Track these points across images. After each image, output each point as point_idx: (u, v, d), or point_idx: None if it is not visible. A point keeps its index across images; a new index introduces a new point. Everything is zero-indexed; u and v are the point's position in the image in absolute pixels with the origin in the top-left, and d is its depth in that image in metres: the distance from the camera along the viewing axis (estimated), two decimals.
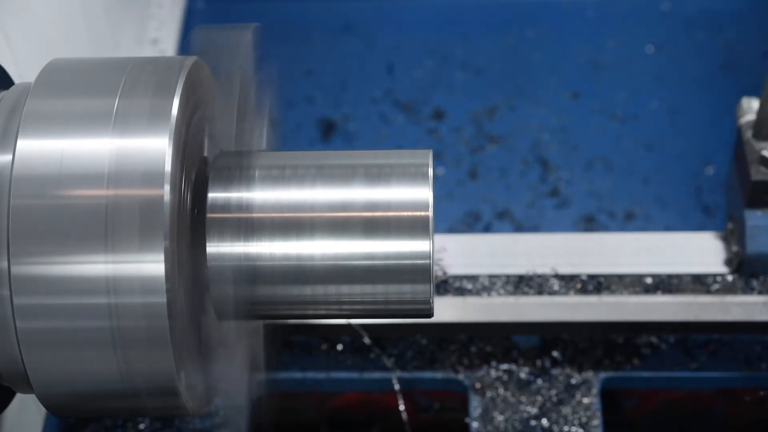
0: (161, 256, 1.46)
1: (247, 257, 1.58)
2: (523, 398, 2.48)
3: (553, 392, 2.49)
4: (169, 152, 1.49)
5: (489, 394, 2.49)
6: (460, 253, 2.61)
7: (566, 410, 2.46)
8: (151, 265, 1.47)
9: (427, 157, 1.62)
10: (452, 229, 3.21)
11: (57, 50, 2.51)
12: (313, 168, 1.62)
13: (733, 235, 2.55)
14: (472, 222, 3.25)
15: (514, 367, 2.53)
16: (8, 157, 1.51)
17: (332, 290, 1.60)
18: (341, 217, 1.58)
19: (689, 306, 2.50)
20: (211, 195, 1.59)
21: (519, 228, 3.22)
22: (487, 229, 3.23)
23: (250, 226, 1.58)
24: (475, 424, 2.45)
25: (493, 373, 2.52)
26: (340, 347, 2.57)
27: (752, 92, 2.54)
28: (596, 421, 2.44)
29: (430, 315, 1.64)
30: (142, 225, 1.47)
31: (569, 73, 3.57)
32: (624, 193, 3.30)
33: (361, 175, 1.60)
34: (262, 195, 1.59)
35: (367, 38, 3.69)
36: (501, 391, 2.50)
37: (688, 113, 3.43)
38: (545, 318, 2.50)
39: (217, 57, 1.63)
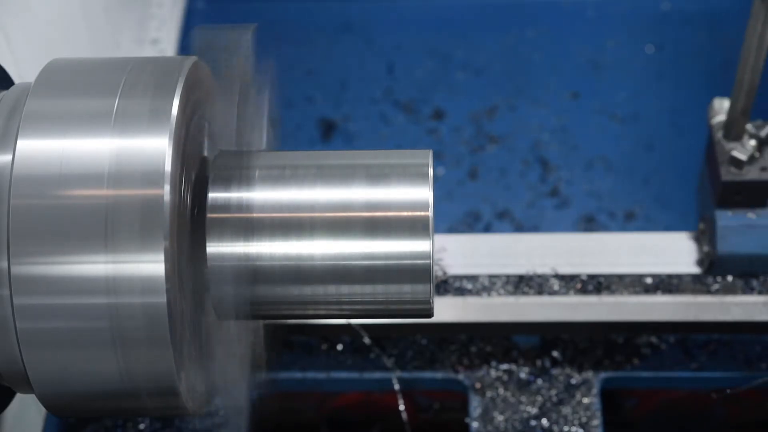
0: (161, 256, 1.46)
1: (247, 257, 1.58)
2: (523, 398, 2.48)
3: (553, 392, 2.49)
4: (169, 152, 1.49)
5: (489, 394, 2.49)
6: (460, 253, 2.61)
7: (566, 410, 2.46)
8: (151, 265, 1.47)
9: (427, 157, 1.62)
10: (452, 229, 3.21)
11: (57, 50, 2.51)
12: (313, 168, 1.62)
13: (705, 236, 2.56)
14: (472, 222, 3.25)
15: (514, 367, 2.53)
16: (8, 157, 1.51)
17: (332, 290, 1.60)
18: (341, 217, 1.58)
19: (689, 306, 2.50)
20: (211, 195, 1.59)
21: (519, 228, 3.22)
22: (487, 229, 3.22)
23: (250, 226, 1.58)
24: (475, 424, 2.45)
25: (493, 373, 2.52)
26: (340, 347, 2.57)
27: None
28: (596, 421, 2.44)
29: (430, 315, 1.64)
30: (142, 225, 1.47)
31: (569, 73, 3.57)
32: (624, 193, 3.29)
33: (361, 175, 1.60)
34: (262, 195, 1.59)
35: (367, 38, 3.69)
36: (501, 391, 2.50)
37: (688, 113, 3.43)
38: (545, 318, 2.50)
39: (217, 57, 1.63)
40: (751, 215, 2.48)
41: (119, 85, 1.55)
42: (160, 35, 3.36)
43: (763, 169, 2.45)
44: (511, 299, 2.53)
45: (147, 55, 3.09)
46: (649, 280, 2.54)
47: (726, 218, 2.48)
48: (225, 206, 1.59)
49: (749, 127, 2.45)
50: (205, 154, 1.67)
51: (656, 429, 2.81)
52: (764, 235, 2.48)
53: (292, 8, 3.75)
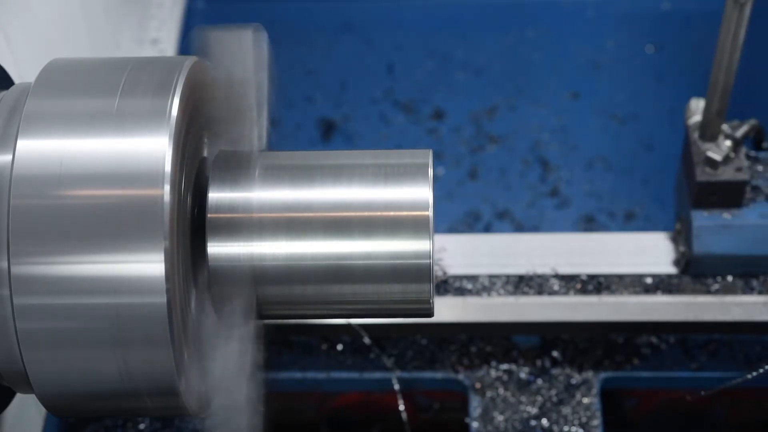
0: (161, 256, 1.46)
1: (247, 257, 1.58)
2: (523, 398, 2.48)
3: (553, 392, 2.49)
4: (169, 152, 1.49)
5: (489, 394, 2.49)
6: (460, 253, 2.61)
7: (566, 410, 2.46)
8: (151, 265, 1.47)
9: (427, 157, 1.62)
10: (452, 229, 3.20)
11: (57, 50, 2.51)
12: (313, 168, 1.62)
13: (681, 236, 2.56)
14: (472, 222, 3.25)
15: (514, 367, 2.53)
16: (8, 157, 1.51)
17: (332, 290, 1.60)
18: (341, 217, 1.58)
19: (689, 306, 2.50)
20: (211, 195, 1.59)
21: (519, 228, 3.22)
22: (487, 229, 3.22)
23: (250, 226, 1.58)
24: (475, 424, 2.45)
25: (493, 373, 2.52)
26: (340, 347, 2.57)
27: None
28: (596, 421, 2.44)
29: (430, 315, 1.64)
30: (142, 225, 1.47)
31: (569, 73, 3.57)
32: (624, 193, 3.29)
33: (360, 175, 1.60)
34: (262, 195, 1.59)
35: (367, 38, 3.69)
36: (501, 391, 2.50)
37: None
38: (545, 318, 2.50)
39: (217, 57, 1.63)
40: (726, 215, 2.49)
41: (119, 85, 1.55)
42: (160, 35, 3.36)
43: (738, 169, 2.45)
44: (511, 299, 2.53)
45: (147, 55, 3.09)
46: (649, 280, 2.55)
47: (701, 218, 2.49)
48: (225, 206, 1.59)
49: (725, 127, 2.45)
50: (205, 154, 1.67)
51: (656, 429, 2.81)
52: (739, 235, 2.48)
53: (292, 8, 3.75)
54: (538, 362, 2.53)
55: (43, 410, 2.15)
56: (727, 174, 2.45)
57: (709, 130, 2.44)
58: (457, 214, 3.26)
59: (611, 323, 2.51)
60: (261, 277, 1.58)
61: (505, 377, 2.52)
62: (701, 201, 2.48)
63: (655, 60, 3.60)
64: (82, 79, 1.59)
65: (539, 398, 2.48)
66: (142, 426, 2.42)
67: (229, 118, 1.64)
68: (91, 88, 1.57)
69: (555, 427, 2.44)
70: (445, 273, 2.57)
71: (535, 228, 3.22)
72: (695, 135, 2.47)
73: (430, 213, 1.57)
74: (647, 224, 3.22)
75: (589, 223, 3.23)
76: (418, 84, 3.57)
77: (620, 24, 3.69)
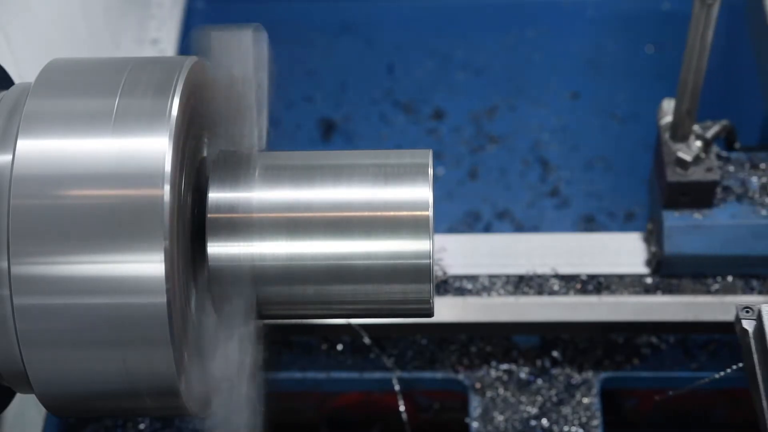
0: (161, 256, 1.46)
1: (248, 257, 1.58)
2: (523, 398, 2.48)
3: (553, 392, 2.49)
4: (169, 152, 1.49)
5: (489, 394, 2.49)
6: (460, 253, 2.61)
7: (566, 410, 2.46)
8: (151, 265, 1.47)
9: (427, 157, 1.62)
10: (452, 229, 3.21)
11: (57, 50, 2.51)
12: (313, 168, 1.62)
13: (653, 236, 2.56)
14: (472, 222, 3.25)
15: (514, 367, 2.53)
16: (8, 157, 1.51)
17: (332, 290, 1.60)
18: (341, 217, 1.58)
19: (689, 306, 2.50)
20: (211, 195, 1.59)
21: (519, 228, 3.22)
22: (487, 229, 3.23)
23: (250, 226, 1.58)
24: (475, 424, 2.45)
25: (493, 373, 2.52)
26: (340, 347, 2.57)
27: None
28: (596, 421, 2.44)
29: (430, 315, 1.64)
30: (142, 225, 1.47)
31: (569, 73, 3.57)
32: (624, 193, 3.29)
33: (361, 175, 1.60)
34: (262, 195, 1.59)
35: (367, 38, 3.69)
36: (501, 391, 2.50)
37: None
38: (545, 318, 2.50)
39: (217, 57, 1.62)
40: (697, 216, 2.49)
41: (119, 85, 1.55)
42: (160, 35, 3.36)
43: (709, 169, 2.45)
44: (511, 299, 2.53)
45: (147, 55, 3.09)
46: (649, 280, 2.55)
47: (672, 219, 2.49)
48: (225, 206, 1.59)
49: (696, 128, 2.45)
50: (205, 154, 1.67)
51: (656, 429, 2.81)
52: (710, 235, 2.49)
53: (292, 8, 3.75)
54: (538, 362, 2.53)
55: (43, 410, 2.15)
56: (697, 174, 2.45)
57: (679, 131, 2.44)
58: (457, 214, 3.26)
59: (611, 323, 2.51)
60: (261, 277, 1.58)
61: (505, 377, 2.52)
62: (672, 201, 2.48)
63: (655, 60, 3.60)
64: (82, 79, 1.59)
65: (539, 398, 2.48)
66: (142, 426, 2.42)
67: (229, 118, 1.64)
68: (91, 88, 1.57)
69: (555, 427, 2.44)
70: (445, 273, 2.57)
71: (535, 228, 3.22)
72: (666, 135, 2.47)
73: (430, 213, 1.57)
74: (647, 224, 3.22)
75: (589, 223, 3.23)
76: (418, 84, 3.57)
77: (620, 24, 3.69)
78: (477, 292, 2.54)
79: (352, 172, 1.60)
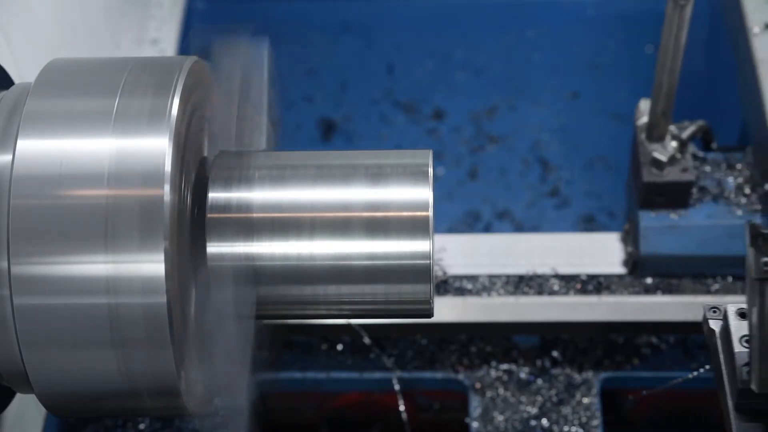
0: (161, 256, 1.46)
1: (248, 257, 1.58)
2: (523, 398, 2.48)
3: (553, 392, 2.49)
4: (169, 152, 1.49)
5: (489, 394, 2.50)
6: (460, 253, 2.61)
7: (566, 410, 2.46)
8: (151, 265, 1.47)
9: (427, 157, 1.62)
10: (452, 229, 3.21)
11: (57, 50, 2.51)
12: (313, 168, 1.62)
13: (629, 236, 2.57)
14: (472, 222, 3.25)
15: (514, 367, 2.53)
16: (8, 157, 1.51)
17: (332, 290, 1.60)
18: (341, 217, 1.58)
19: (689, 306, 2.50)
20: (211, 195, 1.59)
21: (519, 228, 3.22)
22: (487, 229, 3.23)
23: (250, 226, 1.58)
24: (475, 424, 2.45)
25: (493, 373, 2.52)
26: (340, 347, 2.57)
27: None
28: (596, 421, 2.44)
29: (430, 315, 1.64)
30: (142, 225, 1.47)
31: (569, 73, 3.57)
32: (624, 193, 3.29)
33: (361, 175, 1.60)
34: (262, 195, 1.59)
35: (367, 38, 3.69)
36: (501, 391, 2.50)
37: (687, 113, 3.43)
38: (545, 318, 2.50)
39: (217, 57, 1.63)
40: (673, 216, 2.49)
41: (119, 85, 1.55)
42: (160, 35, 3.36)
43: (684, 170, 2.46)
44: (511, 299, 2.53)
45: (147, 55, 3.09)
46: (649, 281, 2.55)
47: (648, 219, 2.50)
48: (225, 206, 1.59)
49: (672, 128, 2.46)
50: (205, 154, 1.67)
51: (656, 429, 2.81)
52: (686, 236, 2.49)
53: (292, 8, 3.75)
54: (538, 362, 2.53)
55: (43, 410, 2.15)
56: (672, 175, 2.45)
57: (655, 131, 2.45)
58: (457, 214, 3.26)
59: (611, 323, 2.51)
60: (261, 277, 1.58)
61: (505, 377, 2.52)
62: (648, 201, 2.49)
63: (655, 60, 3.59)
64: (82, 79, 1.59)
65: (539, 398, 2.48)
66: (142, 426, 2.42)
67: (229, 118, 1.64)
68: (91, 88, 1.57)
69: (555, 427, 2.44)
70: (445, 273, 2.57)
71: (535, 228, 3.22)
72: (643, 136, 2.47)
73: (430, 213, 1.57)
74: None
75: (589, 223, 3.23)
76: (418, 84, 3.57)
77: (620, 24, 3.68)
78: (477, 292, 2.54)
79: (352, 172, 1.61)
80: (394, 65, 3.62)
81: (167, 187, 1.47)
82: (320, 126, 3.48)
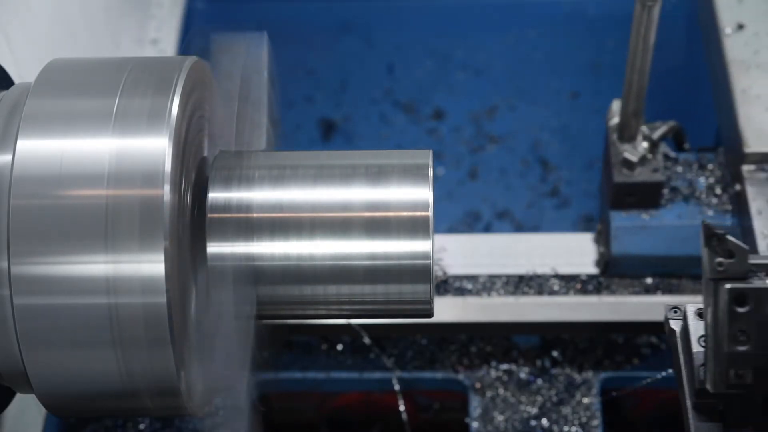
0: (161, 256, 1.46)
1: (248, 257, 1.58)
2: (523, 398, 2.48)
3: (553, 392, 2.49)
4: (169, 152, 1.49)
5: (489, 394, 2.50)
6: (460, 253, 2.61)
7: (566, 410, 2.46)
8: (151, 265, 1.47)
9: (427, 157, 1.62)
10: (452, 229, 3.21)
11: (57, 50, 2.51)
12: (313, 168, 1.62)
13: (601, 236, 2.57)
14: (472, 222, 3.25)
15: (514, 367, 2.53)
16: (8, 157, 1.51)
17: (332, 290, 1.60)
18: (341, 218, 1.58)
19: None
20: (211, 195, 1.59)
21: (519, 228, 3.22)
22: (487, 229, 3.23)
23: (250, 226, 1.58)
24: (475, 424, 2.45)
25: (493, 373, 2.52)
26: (340, 347, 2.57)
27: None
28: (596, 421, 2.44)
29: (430, 315, 1.64)
30: (142, 225, 1.47)
31: (569, 73, 3.57)
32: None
33: (361, 175, 1.60)
34: (262, 195, 1.59)
35: (367, 38, 3.69)
36: (501, 391, 2.50)
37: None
38: (545, 318, 2.50)
39: (217, 57, 1.63)
40: (644, 216, 2.50)
41: (119, 85, 1.55)
42: (160, 35, 3.36)
43: (655, 170, 2.46)
44: (511, 299, 2.53)
45: (147, 55, 3.09)
46: (649, 281, 2.55)
47: (620, 219, 2.50)
48: (225, 206, 1.59)
49: (644, 128, 2.46)
50: (205, 154, 1.67)
51: (656, 429, 2.81)
52: (657, 236, 2.49)
53: (292, 8, 3.75)
54: (538, 362, 2.53)
55: (43, 410, 2.15)
56: (643, 175, 2.45)
57: (626, 132, 2.45)
58: (457, 214, 3.26)
59: (611, 323, 2.51)
60: (261, 277, 1.58)
61: (505, 377, 2.52)
62: (619, 202, 2.49)
63: (655, 60, 3.59)
64: (82, 79, 1.59)
65: (539, 398, 2.48)
66: (142, 426, 2.42)
67: (229, 118, 1.64)
68: (91, 88, 1.57)
69: (555, 427, 2.44)
70: (445, 273, 2.57)
71: (535, 228, 3.22)
72: (614, 136, 2.48)
73: (430, 213, 1.57)
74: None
75: (589, 223, 3.23)
76: (418, 84, 3.57)
77: (620, 24, 3.68)
78: (477, 292, 2.54)
79: (352, 172, 1.61)
80: (394, 65, 3.62)
81: (167, 187, 1.47)
82: (320, 126, 3.48)
